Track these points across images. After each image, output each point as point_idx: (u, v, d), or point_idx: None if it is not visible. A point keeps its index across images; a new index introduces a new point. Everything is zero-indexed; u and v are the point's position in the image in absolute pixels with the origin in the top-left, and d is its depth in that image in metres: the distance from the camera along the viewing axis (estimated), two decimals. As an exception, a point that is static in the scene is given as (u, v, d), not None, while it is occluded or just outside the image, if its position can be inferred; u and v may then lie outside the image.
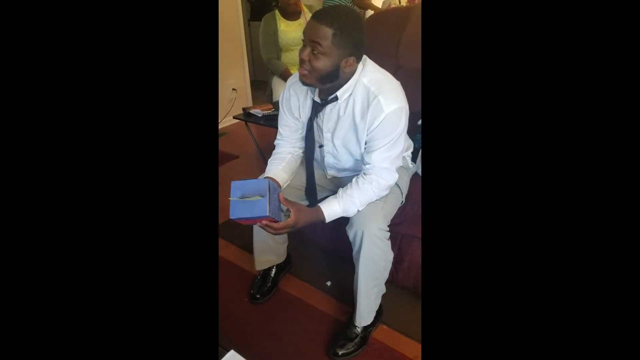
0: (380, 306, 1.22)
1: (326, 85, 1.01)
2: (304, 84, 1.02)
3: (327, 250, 1.57)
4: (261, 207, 0.92)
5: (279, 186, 1.10)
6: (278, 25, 2.18)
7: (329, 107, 1.08)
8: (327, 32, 0.91)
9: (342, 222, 1.09)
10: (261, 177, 1.14)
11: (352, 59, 0.97)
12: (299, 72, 1.00)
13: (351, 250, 1.11)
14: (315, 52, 0.94)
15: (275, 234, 1.04)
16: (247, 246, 1.60)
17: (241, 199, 0.92)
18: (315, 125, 1.13)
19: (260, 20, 2.26)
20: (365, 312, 1.16)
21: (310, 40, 0.94)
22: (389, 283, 1.19)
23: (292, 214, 0.99)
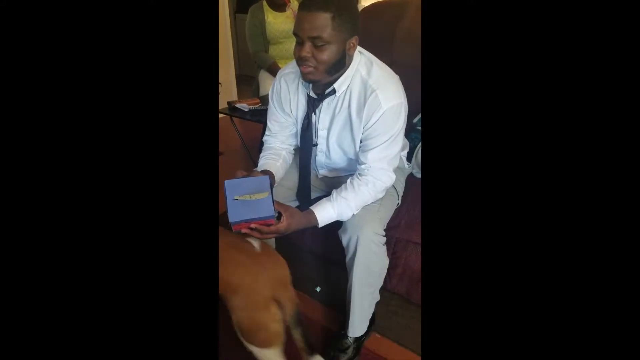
0: (373, 314, 1.15)
1: (334, 75, 0.93)
2: (310, 81, 0.93)
3: (317, 253, 1.49)
4: (266, 206, 0.80)
5: (274, 183, 1.01)
6: (265, 16, 2.08)
7: (325, 102, 0.99)
8: (325, 18, 0.82)
9: (335, 225, 1.01)
10: (255, 170, 1.02)
11: (354, 39, 0.89)
12: (301, 71, 0.90)
13: (342, 253, 1.04)
14: (318, 44, 0.84)
15: (261, 239, 0.95)
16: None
17: (240, 199, 0.80)
18: (311, 122, 1.04)
19: (246, 12, 2.16)
20: (358, 322, 1.10)
21: (308, 36, 0.84)
22: (380, 288, 1.13)
23: (284, 219, 0.90)
